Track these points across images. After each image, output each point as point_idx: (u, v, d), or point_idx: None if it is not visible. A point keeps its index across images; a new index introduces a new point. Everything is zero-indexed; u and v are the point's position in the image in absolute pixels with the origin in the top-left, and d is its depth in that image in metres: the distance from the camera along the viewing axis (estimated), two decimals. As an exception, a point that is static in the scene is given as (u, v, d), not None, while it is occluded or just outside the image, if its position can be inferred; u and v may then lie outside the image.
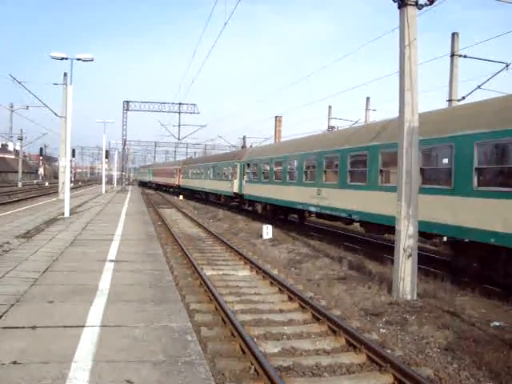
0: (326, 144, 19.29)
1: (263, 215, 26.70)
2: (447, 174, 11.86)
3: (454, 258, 12.59)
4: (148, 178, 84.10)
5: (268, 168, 25.54)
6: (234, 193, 31.47)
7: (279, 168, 23.84)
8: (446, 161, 12.07)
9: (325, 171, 18.68)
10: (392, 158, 12.84)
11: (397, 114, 10.81)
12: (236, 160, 31.84)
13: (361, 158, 15.98)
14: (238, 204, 32.22)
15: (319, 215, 20.50)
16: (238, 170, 30.79)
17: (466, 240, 11.35)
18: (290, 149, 23.36)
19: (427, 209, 11.59)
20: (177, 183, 56.39)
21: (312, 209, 19.79)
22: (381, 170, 14.68)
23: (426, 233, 12.39)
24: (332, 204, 17.75)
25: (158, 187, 73.80)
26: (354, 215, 16.24)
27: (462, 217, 11.18)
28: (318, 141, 21.03)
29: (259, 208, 27.41)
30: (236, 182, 31.02)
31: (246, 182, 29.02)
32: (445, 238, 12.24)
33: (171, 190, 61.76)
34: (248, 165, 29.06)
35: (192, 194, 46.78)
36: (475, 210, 10.83)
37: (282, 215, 25.73)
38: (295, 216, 25.45)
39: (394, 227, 10.92)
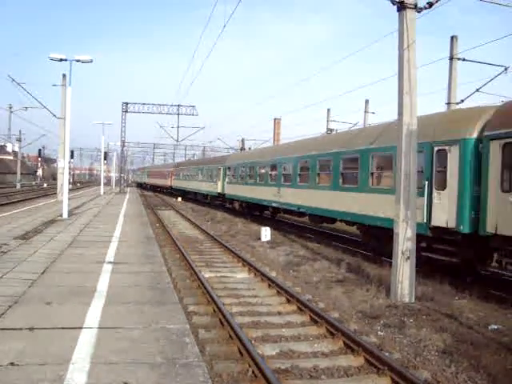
0: (283, 152, 24.47)
1: (240, 211, 31.51)
2: (356, 176, 16.24)
3: (363, 238, 16.91)
4: (144, 179, 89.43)
5: (243, 171, 30.41)
6: (218, 193, 36.29)
7: (251, 171, 28.67)
8: (355, 166, 16.37)
9: (283, 174, 23.24)
10: (322, 164, 19.07)
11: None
12: (220, 164, 36.91)
13: (306, 165, 20.58)
14: (221, 202, 37.36)
15: (280, 210, 25.09)
16: (221, 173, 35.47)
17: (367, 224, 15.42)
18: (259, 156, 28.58)
19: (345, 202, 16.60)
20: (169, 184, 61.40)
21: (274, 204, 24.37)
22: (318, 174, 19.34)
23: (343, 220, 17.81)
24: (287, 200, 22.18)
25: (153, 188, 77.37)
26: (302, 209, 20.71)
27: (364, 208, 15.33)
28: (278, 150, 27.34)
29: (236, 205, 32.06)
30: (219, 184, 35.73)
31: (227, 183, 34.09)
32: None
33: (165, 191, 65.80)
34: (229, 168, 34.04)
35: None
36: (371, 203, 14.92)
37: (258, 212, 29.65)
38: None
39: (329, 218, 18.75)
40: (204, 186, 41.81)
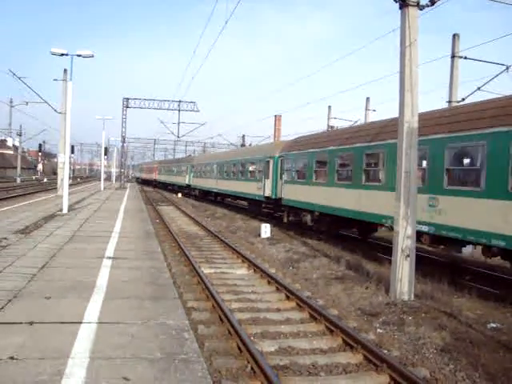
0: (230, 155, 36.44)
1: (199, 197, 44.77)
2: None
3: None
4: (139, 174, 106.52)
5: (203, 169, 43.16)
6: (187, 184, 49.44)
7: (208, 169, 40.68)
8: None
9: (219, 171, 36.37)
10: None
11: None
12: (189, 163, 49.82)
13: (253, 166, 28.92)
14: (188, 191, 49.45)
15: (217, 194, 39.41)
16: (189, 169, 48.76)
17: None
18: (218, 156, 41.47)
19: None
20: (154, 178, 76.52)
21: (214, 190, 38.39)
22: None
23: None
24: (230, 188, 33.13)
25: (144, 181, 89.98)
26: (239, 194, 31.46)
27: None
28: (228, 154, 41.08)
29: (197, 192, 46.16)
30: (187, 177, 49.32)
31: (193, 177, 47.23)
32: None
33: (154, 183, 77.52)
34: (193, 166, 47.25)
35: (171, 188, 54.05)
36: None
37: (213, 197, 42.14)
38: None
39: (257, 200, 27.70)
40: (178, 179, 55.60)
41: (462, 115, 11.95)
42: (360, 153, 15.89)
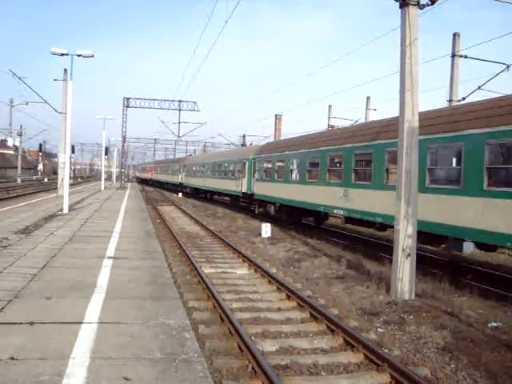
0: (215, 157, 42.35)
1: (191, 194, 49.76)
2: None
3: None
4: (138, 174, 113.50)
5: (193, 168, 48.56)
6: (179, 182, 55.17)
7: (198, 169, 46.50)
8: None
9: (212, 171, 39.85)
10: (231, 166, 33.75)
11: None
12: (181, 164, 55.74)
13: (233, 167, 33.33)
14: (181, 189, 54.12)
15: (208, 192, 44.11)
16: (181, 169, 54.62)
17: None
18: (206, 158, 48.09)
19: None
20: (150, 177, 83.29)
21: (203, 188, 43.23)
22: (231, 171, 33.73)
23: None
24: (215, 185, 38.21)
25: (143, 180, 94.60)
26: (222, 191, 36.10)
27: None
28: (213, 155, 48.01)
29: (188, 190, 51.16)
30: (179, 176, 54.97)
31: (185, 176, 52.85)
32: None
33: (149, 182, 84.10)
34: (185, 166, 53.07)
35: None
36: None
37: (203, 194, 46.57)
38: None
39: (231, 194, 34.12)
40: (172, 178, 61.38)
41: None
42: (305, 157, 20.86)
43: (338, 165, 18.07)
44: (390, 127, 14.14)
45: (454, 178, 11.82)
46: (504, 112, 10.42)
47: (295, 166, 21.90)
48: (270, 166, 25.49)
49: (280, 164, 23.95)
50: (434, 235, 12.32)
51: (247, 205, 30.10)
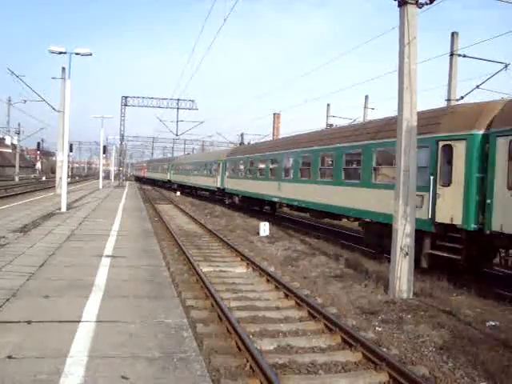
0: (198, 158, 49.80)
1: (175, 189, 54.56)
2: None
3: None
4: (134, 172, 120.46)
5: (180, 167, 54.38)
6: (168, 180, 61.48)
7: (183, 167, 52.28)
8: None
9: (194, 170, 45.48)
10: (209, 166, 39.57)
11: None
12: (169, 162, 62.30)
13: (211, 166, 39.10)
14: (169, 185, 61.13)
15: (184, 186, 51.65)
16: (170, 168, 60.31)
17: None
18: (190, 158, 55.68)
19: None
20: (143, 175, 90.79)
21: (189, 184, 48.64)
22: (210, 170, 39.08)
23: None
24: (197, 182, 43.96)
25: (137, 178, 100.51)
26: (203, 186, 41.50)
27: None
28: (197, 156, 59.16)
29: (175, 186, 56.80)
30: (168, 174, 60.95)
31: (173, 173, 58.39)
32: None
33: (143, 180, 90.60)
34: (173, 165, 58.92)
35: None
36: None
37: (188, 190, 51.40)
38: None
39: (205, 189, 42.40)
40: (161, 176, 68.00)
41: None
42: (257, 160, 27.54)
43: (275, 166, 24.40)
44: (322, 136, 20.18)
45: (357, 175, 16.12)
46: (383, 130, 14.74)
47: (250, 167, 28.65)
48: (235, 166, 31.96)
49: (241, 165, 30.58)
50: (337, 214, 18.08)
51: (221, 197, 35.77)
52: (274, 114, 55.14)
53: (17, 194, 34.67)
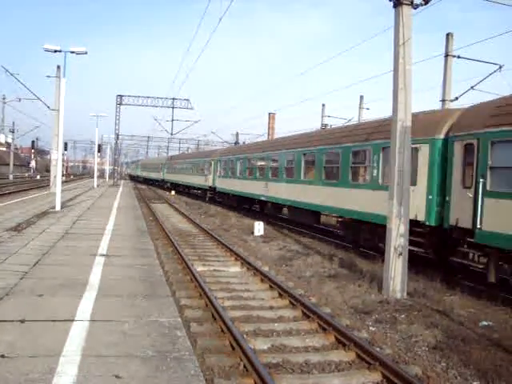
0: (190, 157, 49.99)
1: (170, 188, 53.57)
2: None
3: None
4: (129, 171, 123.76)
5: (173, 166, 55.46)
6: (161, 178, 62.16)
7: (176, 167, 53.18)
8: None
9: (187, 169, 46.74)
10: (201, 165, 40.66)
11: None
12: (163, 162, 63.32)
13: (203, 166, 40.30)
14: (162, 184, 61.97)
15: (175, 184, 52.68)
16: (163, 167, 61.88)
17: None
18: (183, 157, 55.53)
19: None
20: (137, 174, 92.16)
21: (182, 183, 49.63)
22: (202, 169, 40.13)
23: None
24: (190, 181, 45.19)
25: (132, 177, 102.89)
26: (195, 185, 42.83)
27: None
28: (189, 155, 57.42)
29: (168, 185, 56.97)
30: (161, 173, 62.04)
31: (166, 172, 59.37)
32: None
33: (137, 179, 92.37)
34: (166, 164, 60.16)
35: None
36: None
37: (181, 188, 51.45)
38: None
39: (194, 187, 45.23)
40: (154, 175, 70.02)
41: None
42: (245, 160, 28.96)
43: (263, 166, 25.69)
44: (303, 139, 21.54)
45: (336, 175, 17.26)
46: (357, 134, 16.17)
47: (238, 167, 30.15)
48: (226, 166, 33.40)
49: (231, 165, 32.00)
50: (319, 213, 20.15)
51: (213, 196, 37.26)
52: (269, 113, 55.14)
53: (11, 193, 34.51)
